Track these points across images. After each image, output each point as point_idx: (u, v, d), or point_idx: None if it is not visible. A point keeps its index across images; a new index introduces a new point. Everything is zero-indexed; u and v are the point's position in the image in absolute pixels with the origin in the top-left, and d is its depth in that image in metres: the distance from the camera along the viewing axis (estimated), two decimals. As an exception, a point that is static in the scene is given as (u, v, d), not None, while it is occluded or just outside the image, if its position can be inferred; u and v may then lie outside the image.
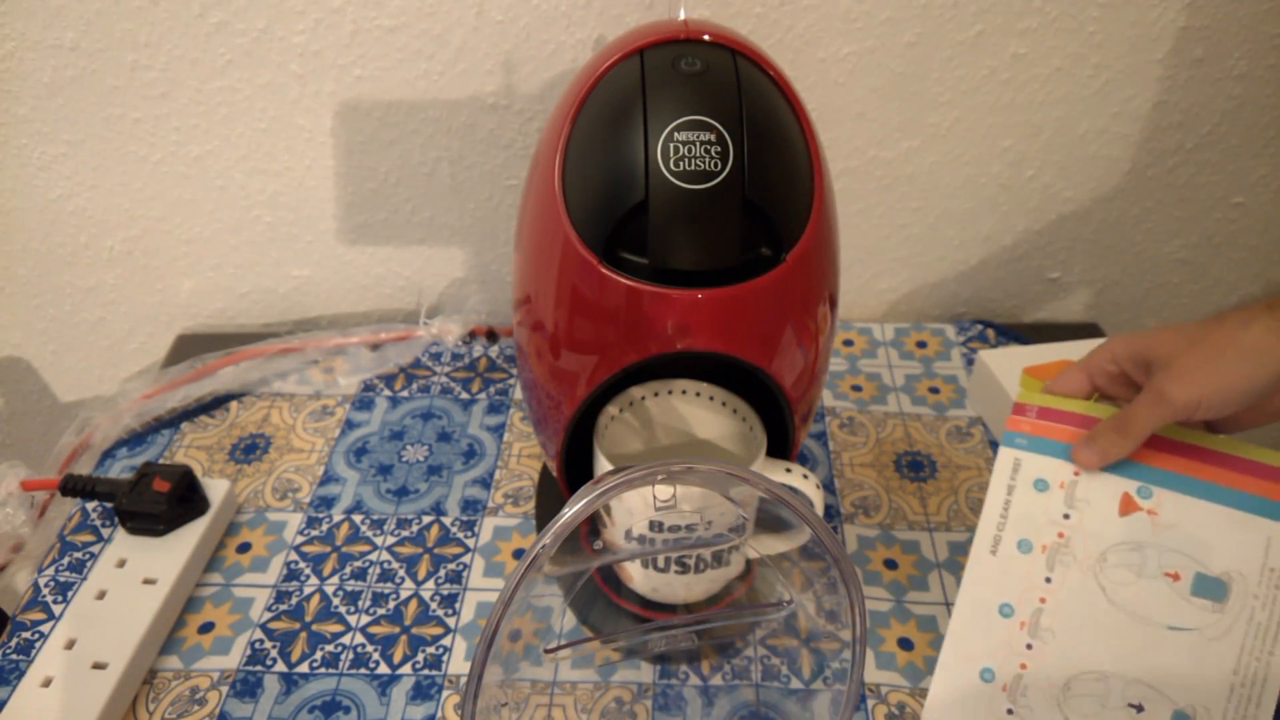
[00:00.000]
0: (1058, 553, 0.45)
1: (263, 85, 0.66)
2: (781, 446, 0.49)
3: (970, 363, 0.73)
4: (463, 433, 0.67)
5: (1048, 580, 0.44)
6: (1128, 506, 0.44)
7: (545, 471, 0.63)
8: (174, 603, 0.54)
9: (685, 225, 0.40)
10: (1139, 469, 0.44)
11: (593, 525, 0.45)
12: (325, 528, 0.60)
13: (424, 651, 0.53)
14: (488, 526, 0.60)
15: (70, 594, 0.54)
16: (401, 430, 0.67)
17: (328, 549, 0.59)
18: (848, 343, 0.75)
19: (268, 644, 0.53)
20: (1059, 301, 0.80)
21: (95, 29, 0.64)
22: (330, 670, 0.52)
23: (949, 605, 0.54)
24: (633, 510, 0.44)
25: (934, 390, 0.70)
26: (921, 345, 0.75)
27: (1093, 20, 0.64)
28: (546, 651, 0.43)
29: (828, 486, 0.62)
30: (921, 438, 0.66)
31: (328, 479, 0.63)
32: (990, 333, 0.76)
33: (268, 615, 0.55)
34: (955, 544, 0.58)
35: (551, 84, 0.66)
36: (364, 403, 0.69)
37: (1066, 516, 0.45)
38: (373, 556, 0.58)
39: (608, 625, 0.50)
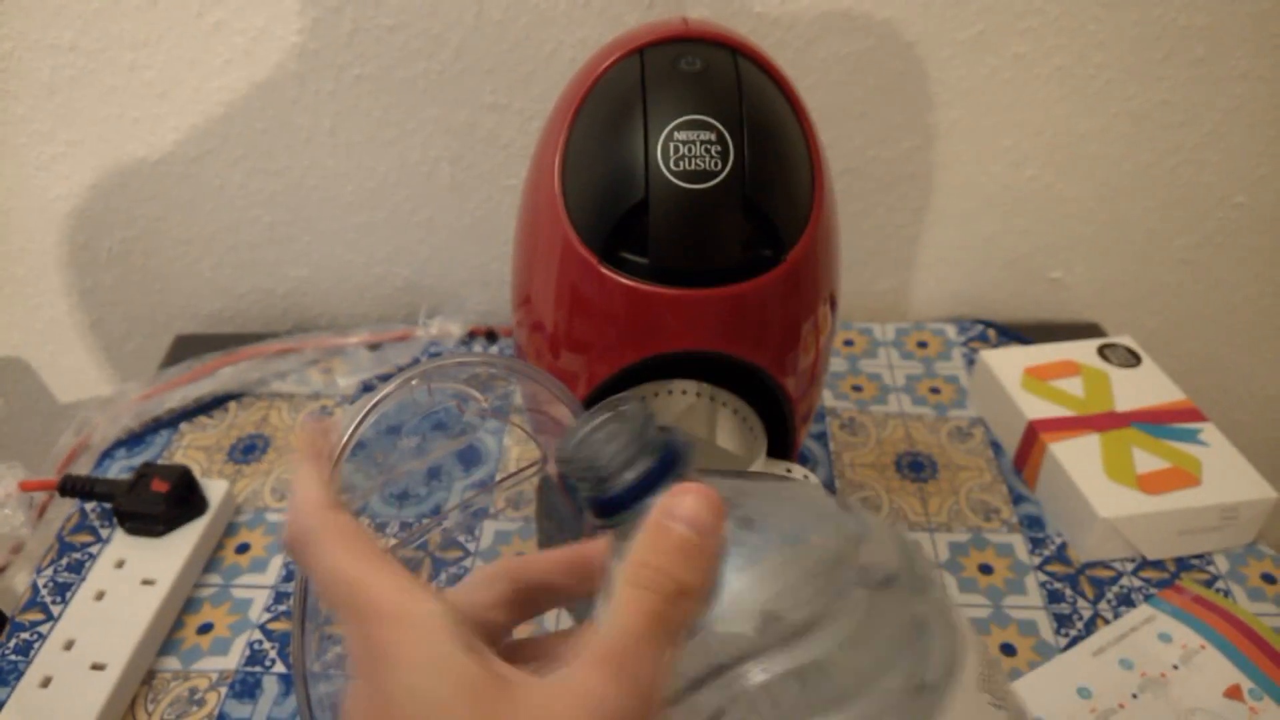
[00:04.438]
0: (1154, 684, 0.48)
1: (261, 85, 0.66)
2: (782, 447, 0.49)
3: (971, 363, 0.73)
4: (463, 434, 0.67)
5: (1134, 696, 0.48)
6: (1234, 694, 0.47)
7: (545, 476, 0.63)
8: (173, 603, 0.54)
9: (685, 225, 0.40)
10: (1260, 676, 0.48)
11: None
12: (324, 528, 0.60)
13: (423, 652, 0.52)
14: (488, 531, 0.60)
15: (69, 594, 0.54)
16: (398, 427, 0.67)
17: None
18: (848, 343, 0.75)
19: (267, 645, 0.53)
20: (1060, 301, 0.80)
21: (94, 29, 0.64)
22: (332, 671, 0.51)
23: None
24: None
25: (935, 390, 0.70)
26: (922, 345, 0.75)
27: (1094, 20, 0.64)
28: None
29: (828, 487, 0.62)
30: (922, 438, 0.66)
31: (327, 479, 0.63)
32: (991, 333, 0.76)
33: (267, 616, 0.54)
34: (956, 544, 0.58)
35: (551, 83, 0.66)
36: (363, 403, 0.69)
37: (1176, 667, 0.49)
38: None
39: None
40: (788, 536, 0.23)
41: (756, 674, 0.20)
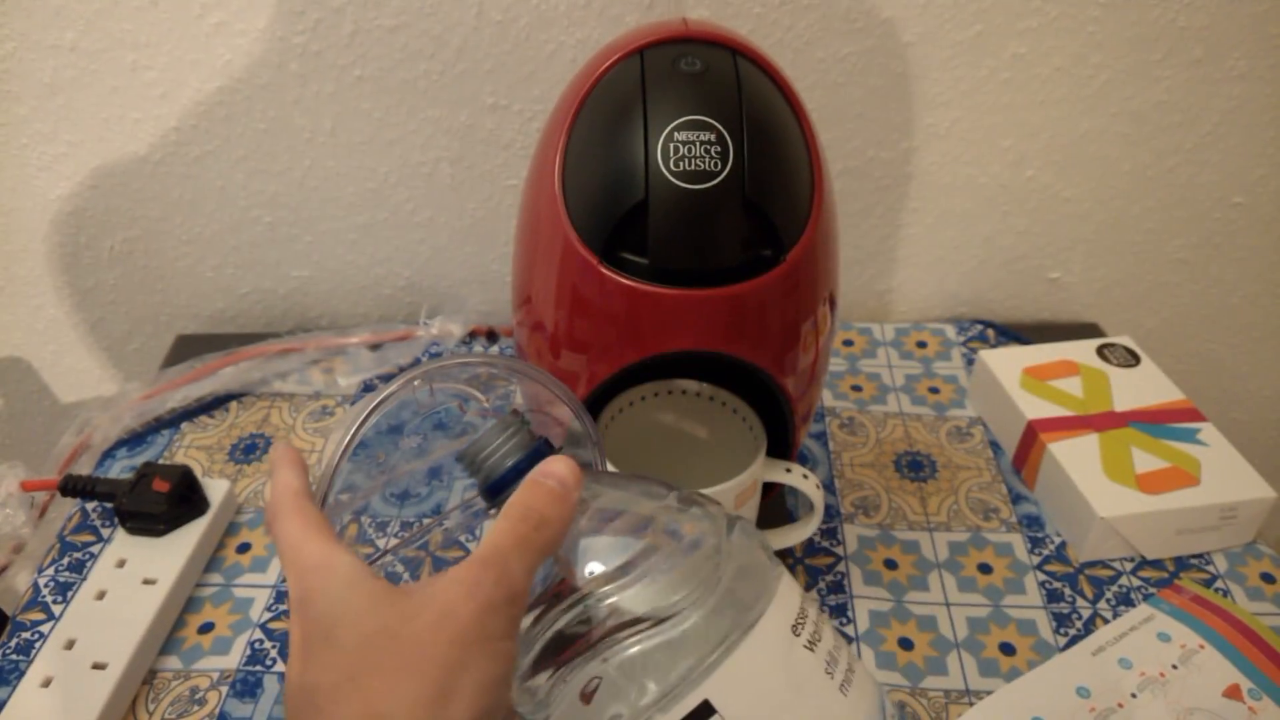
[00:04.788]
0: (1153, 683, 0.48)
1: (263, 85, 0.66)
2: (781, 446, 0.50)
3: (970, 363, 0.73)
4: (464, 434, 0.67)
5: (1133, 696, 0.48)
6: (1233, 694, 0.47)
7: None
8: (174, 603, 0.54)
9: (685, 225, 0.40)
10: (1259, 676, 0.48)
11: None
12: (325, 528, 0.60)
13: (424, 652, 0.53)
14: (489, 530, 0.60)
15: (70, 594, 0.54)
16: (400, 426, 0.67)
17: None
18: (848, 343, 0.75)
19: (268, 644, 0.53)
20: (1059, 301, 0.80)
21: (95, 29, 0.64)
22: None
23: (949, 605, 0.54)
24: None
25: (934, 390, 0.70)
26: (921, 345, 0.75)
27: (1092, 20, 0.64)
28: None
29: (828, 486, 0.62)
30: (921, 438, 0.66)
31: (328, 479, 0.63)
32: (990, 333, 0.76)
33: (268, 615, 0.55)
34: (955, 544, 0.58)
35: (551, 84, 0.66)
36: (364, 403, 0.69)
37: (1175, 667, 0.49)
38: (374, 558, 0.58)
39: None
40: (621, 511, 0.32)
41: (605, 593, 0.29)
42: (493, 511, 0.33)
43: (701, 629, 0.28)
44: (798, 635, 0.29)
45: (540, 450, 0.33)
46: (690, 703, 0.27)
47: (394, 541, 0.53)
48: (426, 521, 0.56)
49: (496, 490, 0.32)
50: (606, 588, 0.29)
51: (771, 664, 0.28)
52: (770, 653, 0.28)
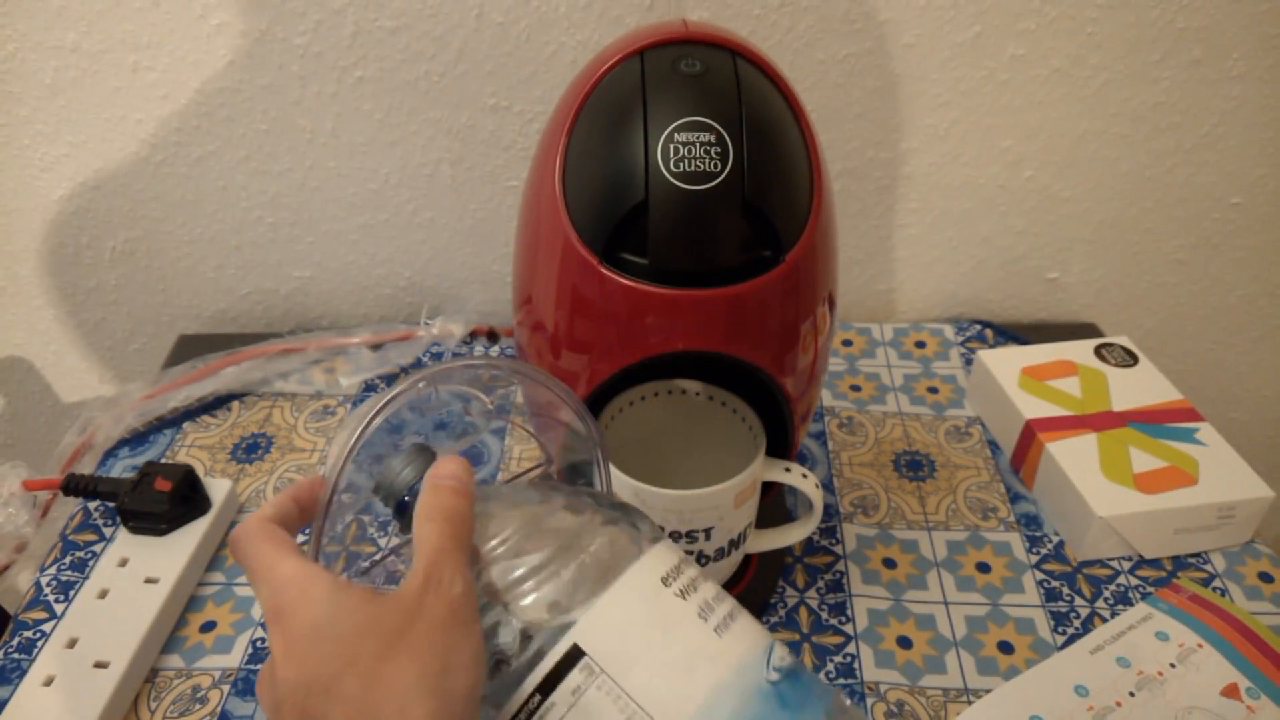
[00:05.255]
0: (1151, 682, 0.48)
1: (264, 86, 0.67)
2: (781, 446, 0.50)
3: (969, 362, 0.73)
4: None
5: (1131, 694, 0.48)
6: (1231, 693, 0.48)
7: (548, 475, 0.63)
8: (176, 602, 0.54)
9: (685, 226, 0.41)
10: (1257, 675, 0.48)
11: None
12: (326, 527, 0.60)
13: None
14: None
15: (72, 593, 0.54)
16: (401, 426, 0.67)
17: (336, 549, 0.59)
18: (847, 343, 0.75)
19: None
20: (1057, 301, 0.80)
21: (97, 30, 0.64)
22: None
23: (947, 604, 0.55)
24: None
25: (933, 390, 0.71)
26: (920, 345, 0.75)
27: (1091, 21, 0.65)
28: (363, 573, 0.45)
29: (827, 486, 0.62)
30: (920, 437, 0.66)
31: (329, 479, 0.63)
32: (989, 333, 0.77)
33: (269, 614, 0.55)
34: (954, 543, 0.58)
35: (552, 85, 0.67)
36: (365, 403, 0.69)
37: (1173, 666, 0.49)
38: (377, 557, 0.58)
39: None
40: (515, 501, 0.35)
41: (518, 558, 0.32)
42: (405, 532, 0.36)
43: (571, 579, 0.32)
44: (668, 585, 0.32)
45: (424, 470, 0.36)
46: (561, 649, 0.30)
47: (396, 540, 0.53)
48: None
49: (403, 511, 0.35)
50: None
51: (639, 607, 0.31)
52: (637, 598, 0.31)
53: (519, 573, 0.32)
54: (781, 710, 0.30)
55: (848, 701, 0.32)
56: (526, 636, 0.31)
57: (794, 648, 0.53)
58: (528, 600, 0.31)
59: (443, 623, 0.29)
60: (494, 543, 0.33)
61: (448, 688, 0.28)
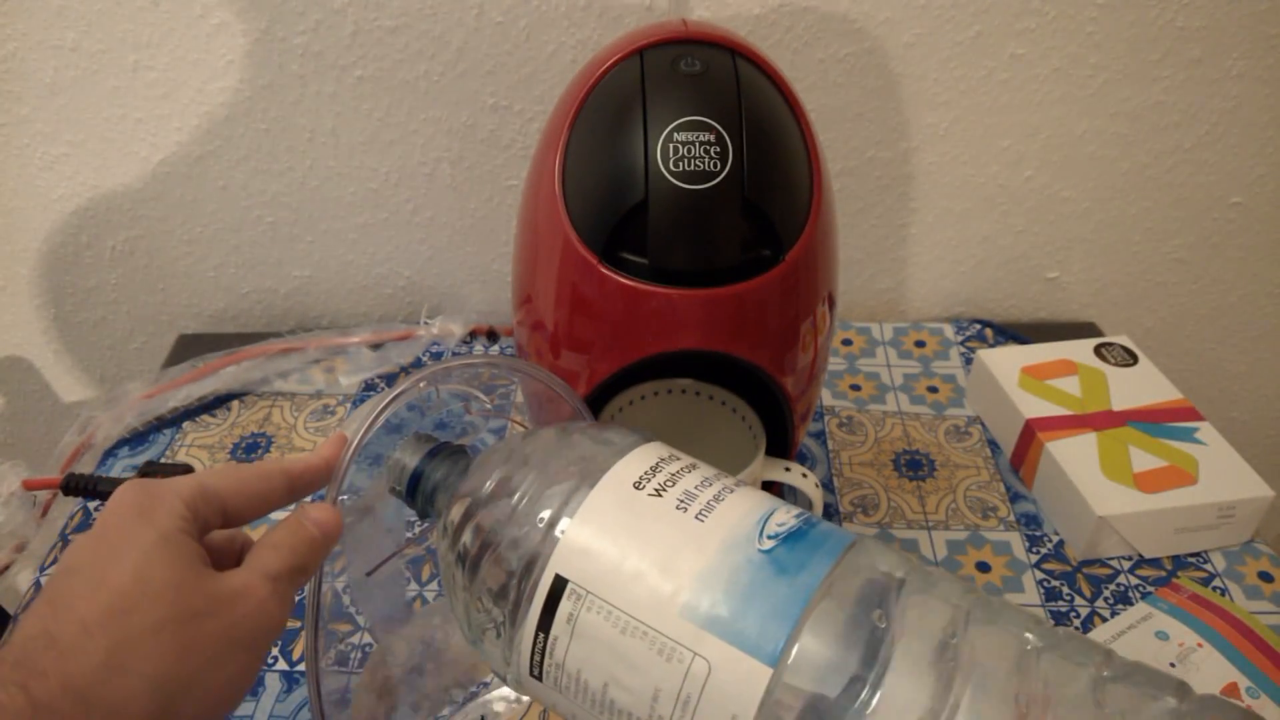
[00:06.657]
0: None
1: (264, 86, 0.67)
2: (781, 445, 0.50)
3: (969, 362, 0.73)
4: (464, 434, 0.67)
5: None
6: (1231, 692, 0.47)
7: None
8: (176, 601, 0.54)
9: (685, 225, 0.41)
10: (1257, 675, 0.48)
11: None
12: (326, 527, 0.60)
13: (425, 650, 0.53)
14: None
15: (73, 592, 0.54)
16: (400, 425, 0.67)
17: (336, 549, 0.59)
18: (846, 342, 0.75)
19: (269, 642, 0.53)
20: (1057, 301, 0.80)
21: (97, 29, 0.64)
22: (340, 669, 0.52)
23: (947, 603, 0.55)
24: None
25: (932, 389, 0.71)
26: (920, 345, 0.75)
27: (1090, 21, 0.65)
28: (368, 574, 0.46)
29: (827, 485, 0.63)
30: (920, 437, 0.66)
31: (329, 478, 0.63)
32: (988, 332, 0.77)
33: (269, 614, 0.55)
34: (954, 542, 0.58)
35: (551, 85, 0.67)
36: (365, 402, 0.69)
37: (1173, 666, 0.49)
38: (383, 559, 0.58)
39: None
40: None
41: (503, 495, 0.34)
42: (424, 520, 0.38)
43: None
44: (640, 488, 0.32)
45: (434, 451, 0.38)
46: (545, 582, 0.31)
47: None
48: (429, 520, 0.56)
49: (414, 486, 0.37)
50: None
51: (610, 519, 0.32)
52: (608, 510, 0.32)
53: (499, 512, 0.34)
54: (778, 577, 0.30)
55: (875, 543, 0.32)
56: (511, 578, 0.32)
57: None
58: (506, 545, 0.33)
59: (229, 629, 0.31)
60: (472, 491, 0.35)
61: (181, 689, 0.29)
